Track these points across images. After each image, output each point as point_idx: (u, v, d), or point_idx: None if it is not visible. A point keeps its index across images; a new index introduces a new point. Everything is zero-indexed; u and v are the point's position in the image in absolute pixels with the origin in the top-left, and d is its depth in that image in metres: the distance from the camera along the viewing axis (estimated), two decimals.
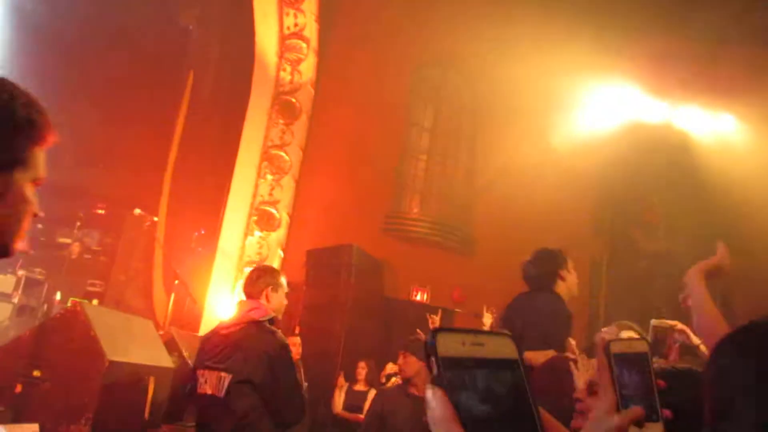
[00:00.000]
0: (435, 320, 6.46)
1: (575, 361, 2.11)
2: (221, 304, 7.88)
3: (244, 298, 3.54)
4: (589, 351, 1.94)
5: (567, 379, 2.29)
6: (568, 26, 7.22)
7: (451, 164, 8.44)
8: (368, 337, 7.26)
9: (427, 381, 0.66)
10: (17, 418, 3.48)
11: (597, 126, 7.97)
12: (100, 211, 8.00)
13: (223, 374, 3.19)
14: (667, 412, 1.03)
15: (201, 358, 3.39)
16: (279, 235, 8.37)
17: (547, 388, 2.81)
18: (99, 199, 8.03)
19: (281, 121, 8.63)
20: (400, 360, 4.65)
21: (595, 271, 7.76)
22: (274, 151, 8.53)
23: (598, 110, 8.04)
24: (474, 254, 8.24)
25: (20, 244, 1.16)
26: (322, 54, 8.75)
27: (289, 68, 8.71)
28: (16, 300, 6.06)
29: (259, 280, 3.47)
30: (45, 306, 6.35)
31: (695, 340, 2.44)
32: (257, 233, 8.32)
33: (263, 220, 8.35)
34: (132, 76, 8.07)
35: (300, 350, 5.66)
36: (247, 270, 7.93)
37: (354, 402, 6.28)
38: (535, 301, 3.85)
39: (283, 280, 3.52)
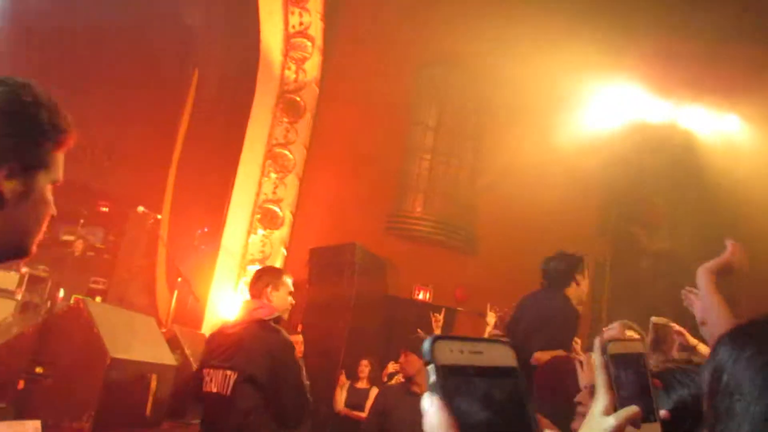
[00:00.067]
0: (438, 319, 6.46)
1: (581, 362, 2.10)
2: (224, 302, 7.89)
3: (249, 297, 3.57)
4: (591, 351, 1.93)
5: (568, 379, 2.29)
6: (572, 25, 7.21)
7: (455, 163, 8.43)
8: (371, 336, 7.27)
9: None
10: (19, 415, 3.49)
11: (601, 125, 7.96)
12: (104, 209, 8.01)
13: (228, 372, 3.21)
14: (664, 413, 1.03)
15: (206, 356, 3.44)
16: (282, 233, 8.38)
17: (548, 387, 2.81)
18: (102, 196, 8.03)
19: (285, 120, 8.64)
20: (402, 359, 4.66)
21: (598, 271, 7.75)
22: (278, 150, 8.54)
23: (601, 110, 8.03)
24: (477, 253, 8.24)
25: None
26: (327, 53, 8.75)
27: (293, 67, 8.72)
28: (19, 297, 6.06)
29: (259, 280, 3.51)
30: (48, 303, 6.36)
31: (692, 340, 2.44)
32: (260, 231, 8.33)
33: (266, 218, 8.36)
34: (136, 74, 8.07)
35: (302, 348, 5.67)
36: (250, 268, 7.95)
37: (355, 400, 6.29)
38: (544, 301, 3.87)
39: (286, 279, 3.53)
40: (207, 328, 7.35)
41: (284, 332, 3.34)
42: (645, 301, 7.13)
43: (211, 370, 3.30)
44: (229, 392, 3.17)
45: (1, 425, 3.09)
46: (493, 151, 8.31)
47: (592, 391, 1.54)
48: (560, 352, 3.20)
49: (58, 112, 1.18)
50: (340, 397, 6.41)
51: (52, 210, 1.21)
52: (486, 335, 5.65)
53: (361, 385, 6.42)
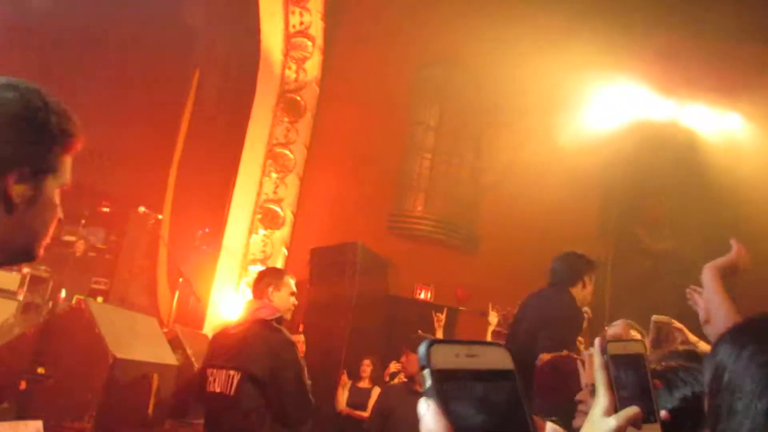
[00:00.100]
0: (440, 319, 6.46)
1: (582, 361, 2.10)
2: (225, 302, 7.89)
3: (252, 298, 3.61)
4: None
5: (569, 379, 2.29)
6: (573, 25, 7.20)
7: (456, 163, 8.42)
8: (372, 335, 7.27)
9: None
10: (21, 415, 3.49)
11: (602, 125, 7.94)
12: (105, 209, 8.03)
13: (232, 372, 3.24)
14: (664, 413, 1.03)
15: (210, 357, 3.48)
16: (283, 233, 8.38)
17: (548, 387, 2.81)
18: (104, 197, 8.05)
19: (286, 119, 8.64)
20: (403, 358, 4.68)
21: (599, 271, 7.72)
22: (278, 149, 8.54)
23: (603, 109, 8.02)
24: (478, 253, 8.23)
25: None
26: (327, 52, 8.75)
27: (294, 66, 8.72)
28: (21, 297, 6.07)
29: (261, 281, 3.54)
30: (50, 303, 6.37)
31: (692, 338, 2.43)
32: (261, 231, 8.33)
33: (267, 218, 8.36)
34: (137, 74, 8.08)
35: (303, 348, 5.67)
36: (252, 268, 7.96)
37: (357, 399, 6.29)
38: (549, 299, 3.84)
39: (288, 280, 3.55)
40: (208, 328, 7.36)
41: (286, 332, 3.36)
42: (646, 300, 7.12)
43: (215, 370, 3.32)
44: (232, 392, 3.19)
45: (2, 425, 3.10)
46: (494, 150, 8.31)
47: (592, 389, 1.54)
48: (565, 353, 3.18)
49: (67, 117, 1.19)
50: (342, 396, 6.41)
51: (59, 214, 1.23)
52: (489, 334, 5.65)
53: (363, 384, 6.42)
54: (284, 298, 3.47)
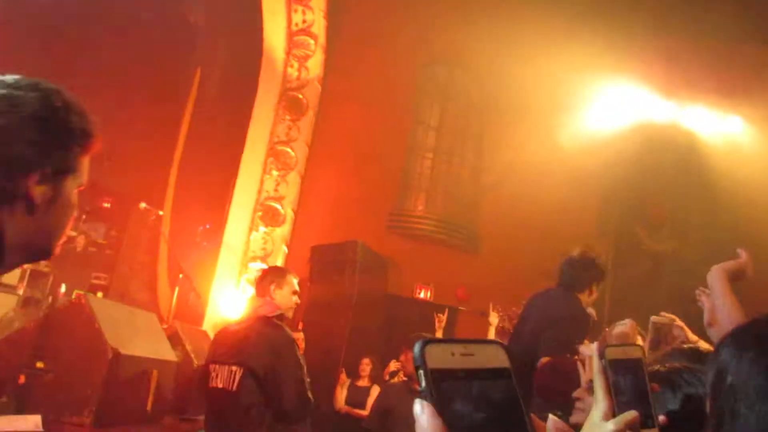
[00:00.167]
0: (442, 320, 6.47)
1: (582, 361, 2.10)
2: (225, 298, 7.90)
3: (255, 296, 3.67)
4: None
5: (568, 379, 2.29)
6: (575, 26, 7.20)
7: (457, 162, 8.42)
8: (372, 334, 7.27)
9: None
10: (20, 409, 3.50)
11: (603, 126, 7.95)
12: (106, 205, 8.02)
13: (234, 368, 3.28)
14: (662, 418, 1.03)
15: (212, 353, 3.52)
16: (284, 230, 8.38)
17: (548, 387, 2.81)
18: (105, 192, 8.05)
19: (288, 117, 8.63)
20: (403, 357, 4.69)
21: None
22: (280, 147, 8.54)
23: (604, 110, 8.02)
24: (479, 253, 8.23)
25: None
26: (329, 50, 8.74)
27: (296, 64, 8.72)
28: (21, 292, 6.08)
29: (264, 279, 3.60)
30: (50, 298, 6.37)
31: (693, 337, 2.43)
32: (262, 228, 8.33)
33: (268, 215, 8.36)
34: (139, 71, 8.07)
35: (303, 345, 5.68)
36: (252, 265, 7.96)
37: (356, 398, 6.29)
38: (555, 300, 3.79)
39: (291, 278, 3.60)
40: (208, 324, 7.36)
41: (287, 329, 3.40)
42: (646, 301, 7.12)
43: (217, 366, 3.37)
44: (234, 388, 3.24)
45: (1, 419, 3.10)
46: (495, 150, 8.31)
47: (590, 387, 1.53)
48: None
49: (87, 117, 1.21)
50: (341, 395, 6.41)
51: (76, 213, 1.24)
52: (491, 335, 5.65)
53: (362, 383, 6.42)
54: (286, 296, 3.51)
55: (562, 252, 3.99)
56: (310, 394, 3.33)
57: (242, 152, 8.49)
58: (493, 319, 5.77)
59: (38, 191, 1.12)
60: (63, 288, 6.63)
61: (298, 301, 3.63)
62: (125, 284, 6.91)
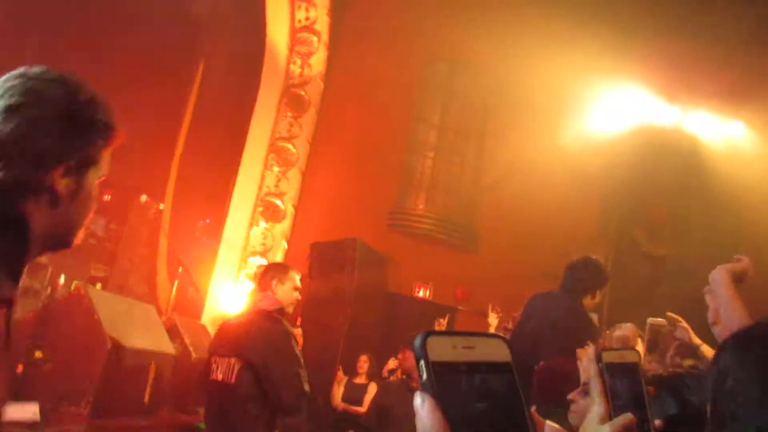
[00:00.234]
0: (442, 324, 6.46)
1: (581, 361, 2.11)
2: (224, 293, 7.90)
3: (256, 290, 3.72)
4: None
5: (567, 380, 2.29)
6: (579, 27, 7.19)
7: (458, 161, 8.42)
8: (370, 332, 7.26)
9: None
10: (18, 399, 3.50)
11: (604, 128, 7.95)
12: (106, 197, 8.00)
13: (233, 360, 3.33)
14: (658, 422, 1.03)
15: (214, 346, 3.58)
16: (284, 226, 8.38)
17: (547, 388, 2.81)
18: (105, 185, 8.03)
19: (290, 114, 8.63)
20: (401, 355, 4.70)
21: None
22: (281, 144, 8.54)
23: (605, 112, 8.02)
24: (478, 252, 8.23)
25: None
26: (332, 48, 8.74)
27: (299, 61, 8.71)
28: (20, 282, 6.07)
29: (266, 274, 3.65)
30: (49, 289, 6.35)
31: (696, 340, 2.43)
32: (262, 224, 8.33)
33: (268, 211, 8.36)
34: (142, 66, 8.06)
35: (301, 341, 5.68)
36: (251, 260, 7.96)
37: (353, 395, 6.29)
38: (559, 302, 3.78)
39: (293, 275, 3.64)
40: (207, 318, 7.36)
41: (286, 323, 3.44)
42: (646, 304, 7.12)
43: (218, 358, 3.42)
44: (233, 380, 3.28)
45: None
46: (496, 150, 8.31)
47: (585, 389, 1.53)
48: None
49: (111, 112, 1.23)
50: (338, 392, 6.41)
51: (96, 205, 1.26)
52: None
53: (360, 380, 6.43)
54: (287, 291, 3.55)
55: (562, 252, 3.99)
56: (306, 387, 3.35)
57: (243, 148, 8.49)
58: (492, 320, 5.75)
59: (63, 184, 1.14)
60: (62, 279, 6.62)
61: (299, 297, 3.66)
62: (124, 277, 6.90)
